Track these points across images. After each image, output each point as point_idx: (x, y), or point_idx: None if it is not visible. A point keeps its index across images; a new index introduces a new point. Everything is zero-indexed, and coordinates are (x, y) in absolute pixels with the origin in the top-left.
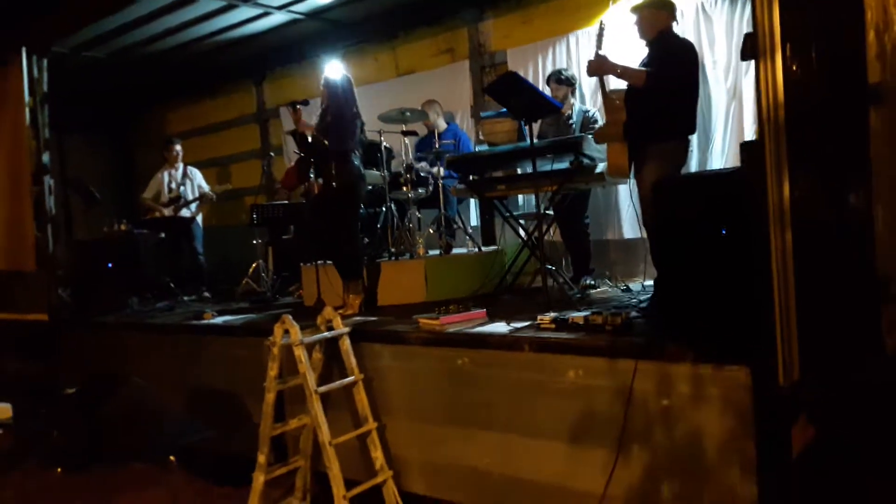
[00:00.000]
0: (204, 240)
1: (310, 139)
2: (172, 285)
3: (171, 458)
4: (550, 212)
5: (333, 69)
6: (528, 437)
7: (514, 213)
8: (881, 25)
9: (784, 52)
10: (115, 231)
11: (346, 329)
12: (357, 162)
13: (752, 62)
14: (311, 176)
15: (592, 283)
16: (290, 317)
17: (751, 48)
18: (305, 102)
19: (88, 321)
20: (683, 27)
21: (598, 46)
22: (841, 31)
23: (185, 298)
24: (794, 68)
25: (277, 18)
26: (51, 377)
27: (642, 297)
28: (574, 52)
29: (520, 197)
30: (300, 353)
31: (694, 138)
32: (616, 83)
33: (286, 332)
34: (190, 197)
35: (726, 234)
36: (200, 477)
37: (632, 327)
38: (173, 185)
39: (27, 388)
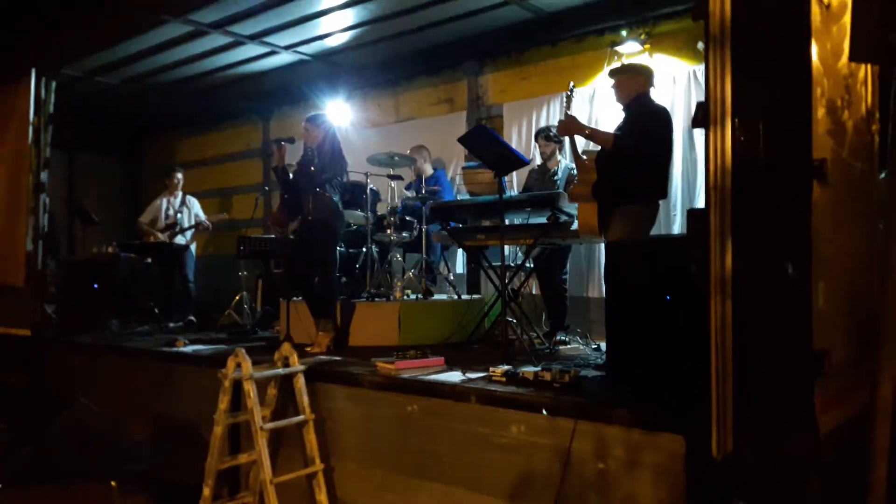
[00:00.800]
0: (197, 268)
1: (291, 176)
2: (157, 310)
3: (113, 483)
4: (530, 264)
5: (333, 112)
6: (470, 491)
7: (493, 264)
8: (837, 102)
9: (733, 122)
10: (103, 253)
11: (301, 367)
12: (336, 199)
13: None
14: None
15: (565, 338)
16: (244, 351)
17: (702, 117)
18: (291, 140)
19: (67, 339)
20: (675, 92)
21: (568, 107)
22: (789, 106)
23: (171, 325)
24: (742, 138)
25: (284, 58)
26: (25, 391)
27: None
28: (573, 101)
29: (507, 248)
30: (249, 387)
31: (677, 203)
32: (592, 144)
33: (238, 365)
34: (186, 224)
35: (671, 300)
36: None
37: (579, 386)
38: (171, 212)
39: (2, 400)
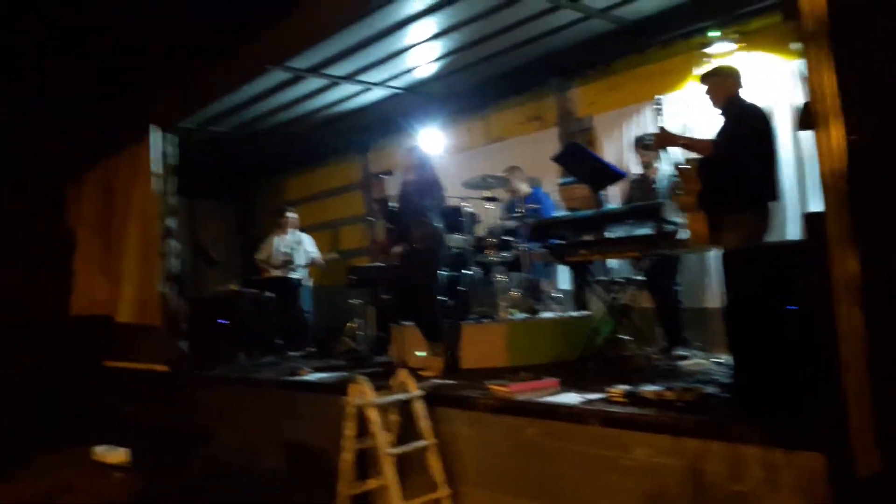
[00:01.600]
0: (313, 298)
1: (390, 206)
2: (279, 341)
3: None
4: (638, 277)
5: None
6: None
7: (599, 278)
8: None
9: (843, 121)
10: (227, 290)
11: (420, 392)
12: (438, 226)
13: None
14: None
15: (684, 353)
16: (364, 378)
17: (807, 118)
18: (389, 173)
19: (201, 373)
20: (776, 90)
21: (659, 120)
22: None
23: (292, 354)
24: (853, 137)
25: (378, 93)
26: (167, 425)
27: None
28: (661, 114)
29: (615, 261)
30: (372, 413)
31: (787, 204)
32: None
33: (361, 392)
34: (300, 261)
35: (796, 309)
36: None
37: (705, 404)
38: (283, 249)
39: (146, 434)
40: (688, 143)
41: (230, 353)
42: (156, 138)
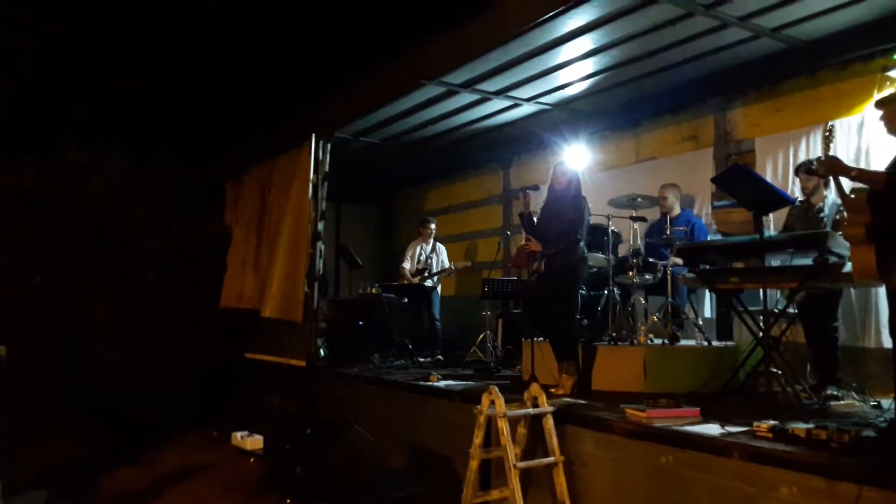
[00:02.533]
0: (442, 308)
1: (535, 221)
2: (410, 346)
3: None
4: (793, 310)
5: (572, 156)
6: None
7: (750, 308)
8: None
9: None
10: (368, 294)
11: (551, 408)
12: (581, 244)
13: None
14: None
15: (836, 393)
16: (497, 389)
17: None
18: (536, 188)
19: (336, 370)
20: None
21: (826, 149)
22: None
23: (421, 360)
24: None
25: (526, 109)
26: (303, 416)
27: (890, 416)
28: (832, 141)
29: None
30: (503, 424)
31: None
32: None
33: (492, 402)
34: (434, 269)
35: None
36: None
37: (861, 447)
38: (422, 257)
39: (282, 424)
40: (858, 175)
41: (365, 353)
42: (315, 146)
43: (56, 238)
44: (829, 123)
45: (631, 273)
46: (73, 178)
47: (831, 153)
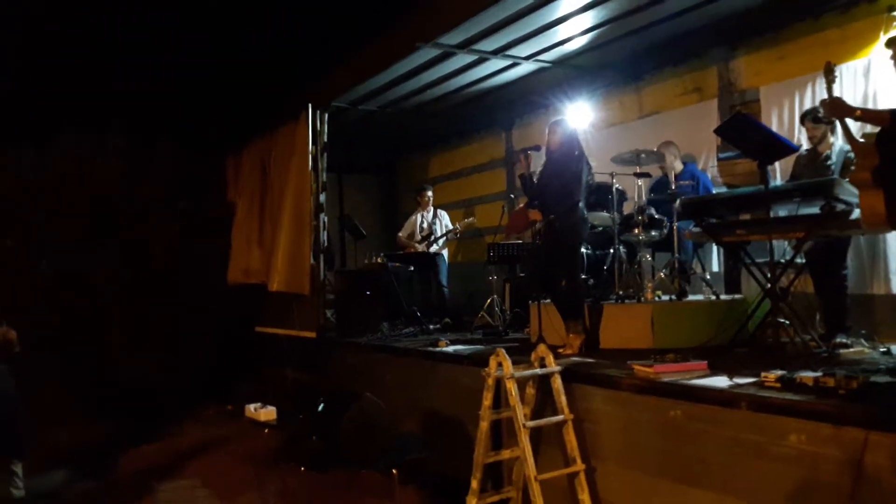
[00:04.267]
0: (448, 274)
1: (535, 181)
2: (419, 314)
3: (394, 471)
4: (801, 260)
5: (572, 115)
6: (745, 501)
7: (757, 261)
8: None
9: None
10: (373, 263)
11: (558, 368)
12: (581, 204)
13: None
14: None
15: (846, 341)
16: (504, 351)
17: None
18: (537, 148)
19: (346, 341)
20: None
21: (829, 90)
22: None
23: (430, 327)
24: None
25: (525, 68)
26: (315, 387)
27: None
28: (837, 87)
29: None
30: (511, 385)
31: None
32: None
33: (500, 364)
34: (439, 233)
35: None
36: (420, 491)
37: (869, 393)
38: (424, 225)
39: (295, 394)
40: (863, 115)
41: (373, 322)
42: (312, 117)
43: (61, 222)
44: (829, 63)
45: (637, 230)
46: (74, 161)
47: (835, 94)
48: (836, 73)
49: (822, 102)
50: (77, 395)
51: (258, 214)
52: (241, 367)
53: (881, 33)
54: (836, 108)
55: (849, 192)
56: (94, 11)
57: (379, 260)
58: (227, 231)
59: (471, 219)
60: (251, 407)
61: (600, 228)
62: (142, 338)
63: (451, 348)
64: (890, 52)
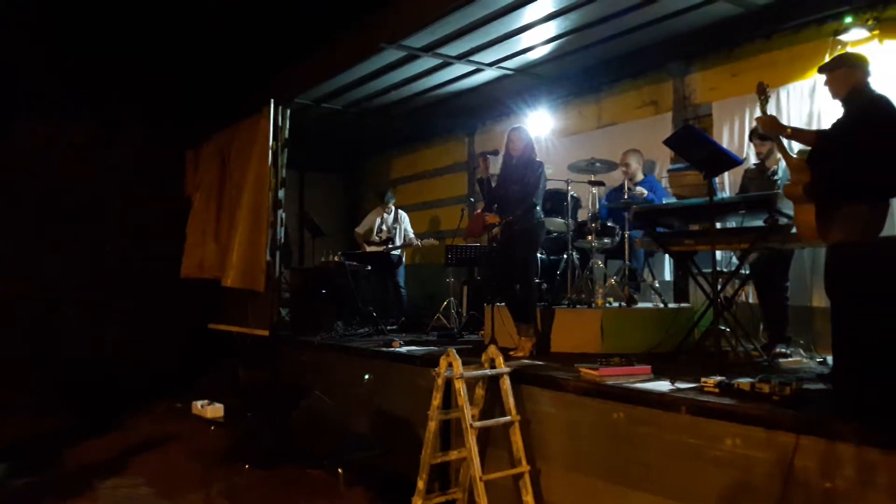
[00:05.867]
0: (408, 276)
1: (493, 185)
2: (374, 314)
3: (340, 470)
4: (745, 271)
5: (533, 122)
6: (682, 503)
7: (704, 270)
8: None
9: None
10: (330, 262)
11: (507, 369)
12: (538, 209)
13: None
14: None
15: (786, 351)
16: (455, 351)
17: None
18: (495, 153)
19: (299, 339)
20: None
21: (763, 109)
22: None
23: (385, 327)
24: None
25: (489, 74)
26: (265, 384)
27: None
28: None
29: (718, 253)
30: (459, 385)
31: None
32: None
33: (450, 365)
34: (397, 241)
35: None
36: (367, 491)
37: (802, 399)
38: (384, 227)
39: (245, 392)
40: (793, 134)
41: (328, 321)
42: (274, 111)
43: (17, 211)
44: (762, 84)
45: (590, 237)
46: (33, 149)
47: (767, 112)
48: (770, 93)
49: (757, 120)
50: (26, 388)
51: (215, 208)
52: (196, 364)
53: (827, 55)
54: (769, 126)
55: (791, 206)
56: None
57: (336, 258)
58: (184, 224)
59: (433, 241)
60: (198, 404)
61: (555, 234)
62: (95, 331)
63: (404, 349)
64: (825, 78)
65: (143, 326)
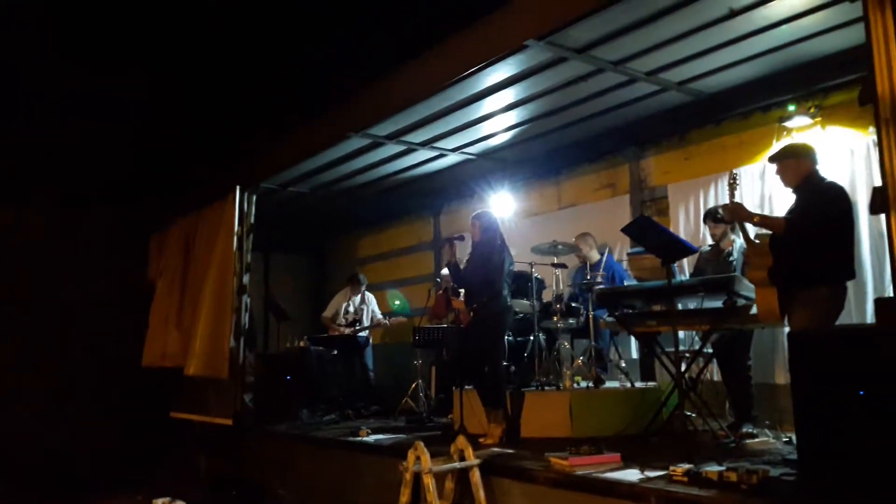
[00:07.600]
0: (375, 356)
1: (461, 268)
2: (341, 399)
3: None
4: (708, 350)
5: (495, 205)
6: None
7: (667, 350)
8: None
9: None
10: (295, 346)
11: (477, 461)
12: (505, 293)
13: None
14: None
15: (752, 431)
16: (423, 444)
17: (881, 202)
18: (461, 238)
19: (264, 428)
20: (854, 165)
21: (731, 195)
22: None
23: (351, 412)
24: None
25: (452, 159)
26: (228, 479)
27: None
28: (737, 188)
29: (682, 333)
30: (429, 481)
31: (868, 282)
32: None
33: (418, 458)
34: (365, 322)
35: (865, 395)
36: None
37: (769, 488)
38: (351, 309)
39: (207, 488)
40: (761, 221)
41: (294, 409)
42: (240, 198)
43: None
44: (734, 172)
45: (555, 318)
46: None
47: (736, 199)
48: (738, 182)
49: (724, 207)
50: None
51: (179, 294)
52: (157, 453)
53: (774, 140)
54: (737, 214)
55: (748, 287)
56: (22, 77)
57: (302, 343)
58: (147, 310)
59: (402, 318)
60: (159, 501)
61: (521, 315)
62: (51, 417)
63: (371, 438)
64: (775, 167)
65: (101, 415)
